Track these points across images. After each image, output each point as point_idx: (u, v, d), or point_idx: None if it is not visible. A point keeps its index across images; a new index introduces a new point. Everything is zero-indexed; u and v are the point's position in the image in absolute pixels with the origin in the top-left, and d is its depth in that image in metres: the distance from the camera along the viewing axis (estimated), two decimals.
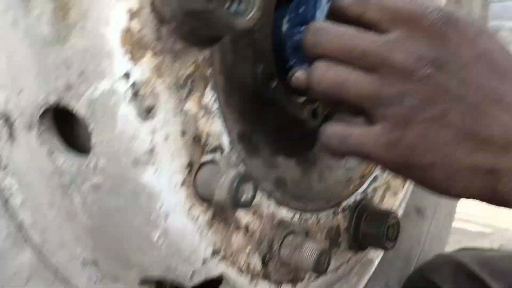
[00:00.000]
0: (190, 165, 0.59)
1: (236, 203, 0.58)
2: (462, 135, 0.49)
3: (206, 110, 0.60)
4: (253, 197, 0.60)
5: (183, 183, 0.59)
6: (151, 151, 0.56)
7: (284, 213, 0.75)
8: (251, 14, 0.49)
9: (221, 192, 0.58)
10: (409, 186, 1.05)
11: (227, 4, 0.49)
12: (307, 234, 0.79)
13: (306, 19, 0.68)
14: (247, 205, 0.60)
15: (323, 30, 0.55)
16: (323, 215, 0.82)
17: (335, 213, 0.85)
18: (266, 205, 0.72)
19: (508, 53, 0.53)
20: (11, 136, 0.59)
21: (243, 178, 0.58)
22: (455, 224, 2.58)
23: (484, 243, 2.31)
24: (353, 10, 0.55)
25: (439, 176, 0.51)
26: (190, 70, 0.57)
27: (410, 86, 0.49)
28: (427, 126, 0.49)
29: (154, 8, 0.52)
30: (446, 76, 0.49)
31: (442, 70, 0.49)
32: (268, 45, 0.71)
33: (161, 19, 0.52)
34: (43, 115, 0.56)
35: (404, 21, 0.51)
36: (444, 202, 1.32)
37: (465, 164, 0.50)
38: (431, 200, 1.26)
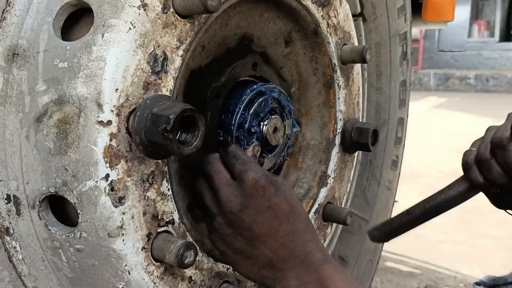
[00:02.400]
0: (148, 235, 0.83)
1: (181, 265, 0.81)
2: (245, 254, 0.91)
3: (163, 196, 0.84)
4: (194, 260, 0.84)
5: (143, 248, 0.82)
6: (121, 227, 0.79)
7: (221, 266, 0.99)
8: (194, 144, 0.74)
9: (170, 256, 0.82)
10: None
11: (178, 135, 0.74)
12: (238, 282, 1.03)
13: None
14: (190, 265, 0.83)
15: None
16: None
17: None
18: (206, 261, 0.95)
19: (291, 205, 0.92)
20: (18, 212, 0.81)
21: (187, 247, 0.82)
22: (388, 264, 2.87)
23: (413, 283, 2.58)
24: None
25: (229, 262, 0.96)
26: (152, 169, 0.81)
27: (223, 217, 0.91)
28: (227, 242, 0.91)
29: (127, 131, 0.76)
30: (246, 216, 0.88)
31: (244, 212, 0.88)
32: (214, 142, 0.97)
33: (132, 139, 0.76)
34: (43, 199, 0.79)
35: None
36: (364, 251, 1.58)
37: (244, 270, 0.93)
38: (354, 250, 1.52)
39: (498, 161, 1.12)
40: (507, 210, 1.26)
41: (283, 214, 0.90)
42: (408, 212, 1.36)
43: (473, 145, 1.22)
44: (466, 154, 1.20)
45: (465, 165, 1.20)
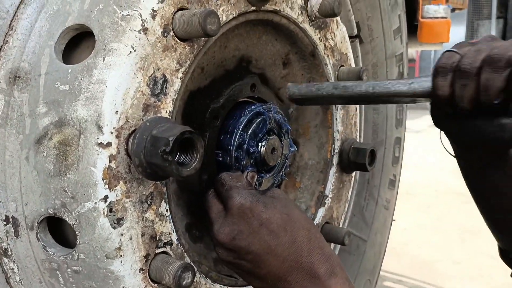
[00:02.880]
0: (146, 256, 0.83)
1: (179, 286, 0.81)
2: (254, 275, 0.90)
3: (161, 217, 0.84)
4: (192, 281, 0.83)
5: (140, 270, 0.82)
6: (119, 248, 0.79)
7: (218, 287, 0.98)
8: (193, 166, 0.75)
9: (168, 278, 0.82)
10: None
11: (177, 156, 0.74)
12: None
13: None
14: (188, 287, 0.83)
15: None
16: None
17: None
18: (204, 282, 0.95)
19: (285, 215, 0.90)
20: (17, 233, 0.81)
21: (185, 268, 0.82)
22: (387, 283, 2.86)
23: None
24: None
25: (243, 279, 0.94)
26: (150, 190, 0.82)
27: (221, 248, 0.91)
28: (236, 267, 0.92)
29: (127, 153, 0.77)
30: (240, 242, 0.88)
31: (237, 238, 0.88)
32: (213, 162, 0.97)
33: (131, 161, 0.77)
34: (41, 221, 0.79)
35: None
36: (363, 271, 1.57)
37: (253, 283, 0.92)
38: (352, 270, 1.52)
39: (481, 82, 0.85)
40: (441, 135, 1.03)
41: (278, 226, 0.89)
42: (344, 86, 1.06)
43: (459, 46, 0.92)
44: (447, 55, 0.90)
45: (440, 68, 0.90)
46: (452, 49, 0.91)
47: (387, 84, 0.99)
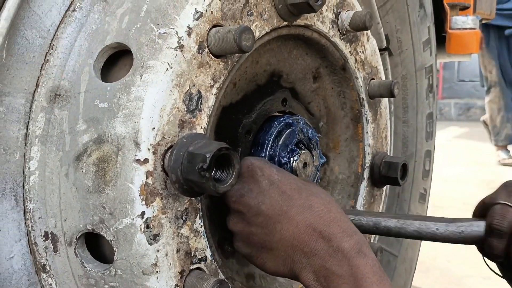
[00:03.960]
0: (181, 272, 0.83)
1: None
2: (266, 247, 0.83)
3: (196, 233, 0.84)
4: None
5: (176, 286, 0.82)
6: (155, 264, 0.79)
7: None
8: (229, 182, 0.75)
9: None
10: None
11: (213, 173, 0.75)
12: None
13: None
14: None
15: None
16: None
17: None
18: None
19: (301, 182, 0.84)
20: (55, 249, 0.82)
21: (220, 284, 0.81)
22: None
23: None
24: None
25: (257, 263, 0.87)
26: (185, 206, 0.82)
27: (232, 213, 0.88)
28: (246, 240, 0.87)
29: (163, 169, 0.77)
30: (250, 200, 0.83)
31: (247, 196, 0.83)
32: None
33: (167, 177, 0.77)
34: (80, 237, 0.80)
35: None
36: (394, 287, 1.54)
37: (272, 266, 0.84)
38: None
39: None
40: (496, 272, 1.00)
41: (291, 188, 0.82)
42: (387, 227, 1.03)
43: (509, 192, 0.91)
44: (500, 211, 0.88)
45: (495, 229, 0.88)
46: (505, 202, 0.89)
47: (434, 230, 0.97)
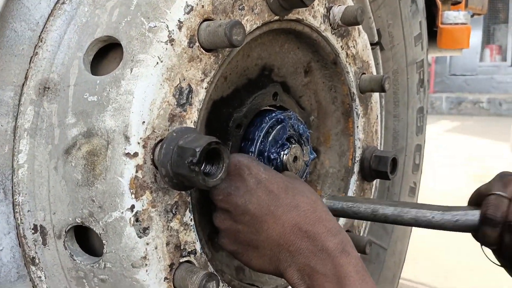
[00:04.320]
0: (171, 265, 0.83)
1: None
2: (252, 245, 0.84)
3: (185, 226, 0.85)
4: None
5: (165, 279, 0.83)
6: (145, 257, 0.79)
7: None
8: (219, 176, 0.75)
9: (193, 287, 0.82)
10: None
11: (203, 167, 0.75)
12: None
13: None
14: None
15: None
16: None
17: None
18: None
19: (287, 181, 0.85)
20: (44, 242, 0.82)
21: (209, 277, 0.82)
22: None
23: None
24: None
25: (243, 260, 0.89)
26: (175, 199, 0.82)
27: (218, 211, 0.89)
28: (232, 238, 0.88)
29: (153, 163, 0.77)
30: (237, 198, 0.84)
31: (234, 194, 0.84)
32: None
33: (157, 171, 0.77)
34: (69, 230, 0.80)
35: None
36: (383, 280, 1.56)
37: (257, 264, 0.86)
38: (372, 278, 1.50)
39: None
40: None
41: (278, 187, 0.83)
42: (384, 215, 1.04)
43: (504, 183, 0.92)
44: (494, 202, 0.89)
45: (489, 219, 0.89)
46: (500, 193, 0.91)
47: (430, 218, 0.99)
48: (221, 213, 0.87)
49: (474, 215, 0.95)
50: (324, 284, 0.76)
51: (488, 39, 15.14)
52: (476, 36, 13.73)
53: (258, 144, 1.04)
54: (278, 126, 1.07)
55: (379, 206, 1.05)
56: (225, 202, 0.84)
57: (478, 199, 0.97)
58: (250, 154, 1.04)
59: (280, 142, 1.06)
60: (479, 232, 0.93)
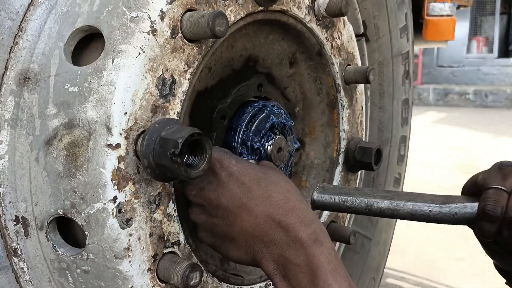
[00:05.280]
0: (154, 256, 0.83)
1: (187, 286, 0.81)
2: (228, 238, 0.86)
3: (169, 217, 0.85)
4: (200, 281, 0.84)
5: (148, 270, 0.83)
6: (128, 248, 0.79)
7: (225, 287, 0.99)
8: (202, 167, 0.75)
9: (176, 277, 0.82)
10: None
11: (185, 158, 0.75)
12: None
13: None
14: (196, 287, 0.84)
15: None
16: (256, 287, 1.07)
17: (266, 286, 1.09)
18: (211, 281, 0.96)
19: (260, 172, 0.86)
20: (26, 233, 0.81)
21: (193, 268, 0.82)
22: (389, 280, 2.86)
23: None
24: None
25: (221, 252, 0.90)
26: (158, 190, 0.82)
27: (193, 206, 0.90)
28: (209, 231, 0.89)
29: (135, 154, 0.77)
30: (209, 193, 0.85)
31: (206, 189, 0.85)
32: None
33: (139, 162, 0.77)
34: (51, 221, 0.80)
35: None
36: (367, 269, 1.57)
37: (235, 255, 0.87)
38: (357, 268, 1.52)
39: None
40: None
41: (250, 179, 0.84)
42: (380, 209, 1.01)
43: (503, 176, 0.88)
44: (493, 196, 0.86)
45: (487, 215, 0.86)
46: (498, 186, 0.87)
47: (427, 212, 0.95)
48: (196, 207, 0.88)
49: (473, 208, 0.92)
50: (298, 275, 0.78)
51: (475, 31, 15.22)
52: (463, 28, 13.81)
53: (240, 134, 1.04)
54: (261, 116, 1.06)
55: (374, 200, 1.02)
56: (199, 197, 0.85)
57: (474, 189, 0.93)
58: (233, 144, 1.04)
59: (262, 131, 1.06)
60: (476, 226, 0.90)
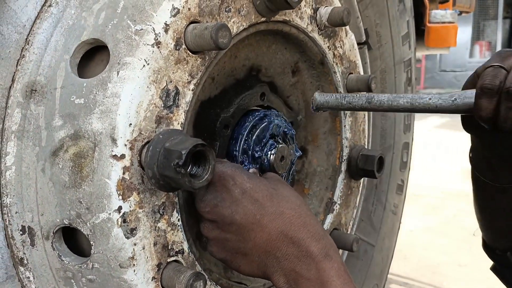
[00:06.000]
0: (159, 265, 0.84)
1: None
2: (241, 253, 0.87)
3: (173, 226, 0.86)
4: None
5: (153, 278, 0.84)
6: (132, 258, 0.80)
7: None
8: (205, 178, 0.76)
9: (180, 286, 0.83)
10: None
11: (189, 168, 0.76)
12: None
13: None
14: None
15: None
16: None
17: None
18: None
19: (272, 188, 0.87)
20: (32, 243, 0.83)
21: (196, 277, 0.83)
22: (394, 287, 2.86)
23: None
24: None
25: (232, 266, 0.90)
26: (162, 200, 0.83)
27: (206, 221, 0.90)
28: (221, 246, 0.89)
29: (140, 164, 0.78)
30: (223, 209, 0.85)
31: (220, 206, 0.85)
32: None
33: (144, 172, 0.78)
34: (57, 231, 0.81)
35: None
36: (370, 276, 1.58)
37: (246, 269, 0.88)
38: (360, 275, 1.52)
39: None
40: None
41: (263, 196, 0.85)
42: (379, 101, 1.01)
43: (503, 58, 0.86)
44: (492, 73, 0.84)
45: (485, 89, 0.84)
46: (498, 64, 0.86)
47: (427, 100, 0.95)
48: (208, 223, 0.89)
49: (472, 93, 0.90)
50: None
51: (478, 35, 15.23)
52: (465, 33, 13.81)
53: (241, 143, 1.05)
54: (262, 125, 1.07)
55: (373, 94, 1.01)
56: (212, 214, 0.86)
57: (475, 80, 0.92)
58: (235, 153, 1.05)
59: (264, 140, 1.07)
60: (475, 106, 0.88)
